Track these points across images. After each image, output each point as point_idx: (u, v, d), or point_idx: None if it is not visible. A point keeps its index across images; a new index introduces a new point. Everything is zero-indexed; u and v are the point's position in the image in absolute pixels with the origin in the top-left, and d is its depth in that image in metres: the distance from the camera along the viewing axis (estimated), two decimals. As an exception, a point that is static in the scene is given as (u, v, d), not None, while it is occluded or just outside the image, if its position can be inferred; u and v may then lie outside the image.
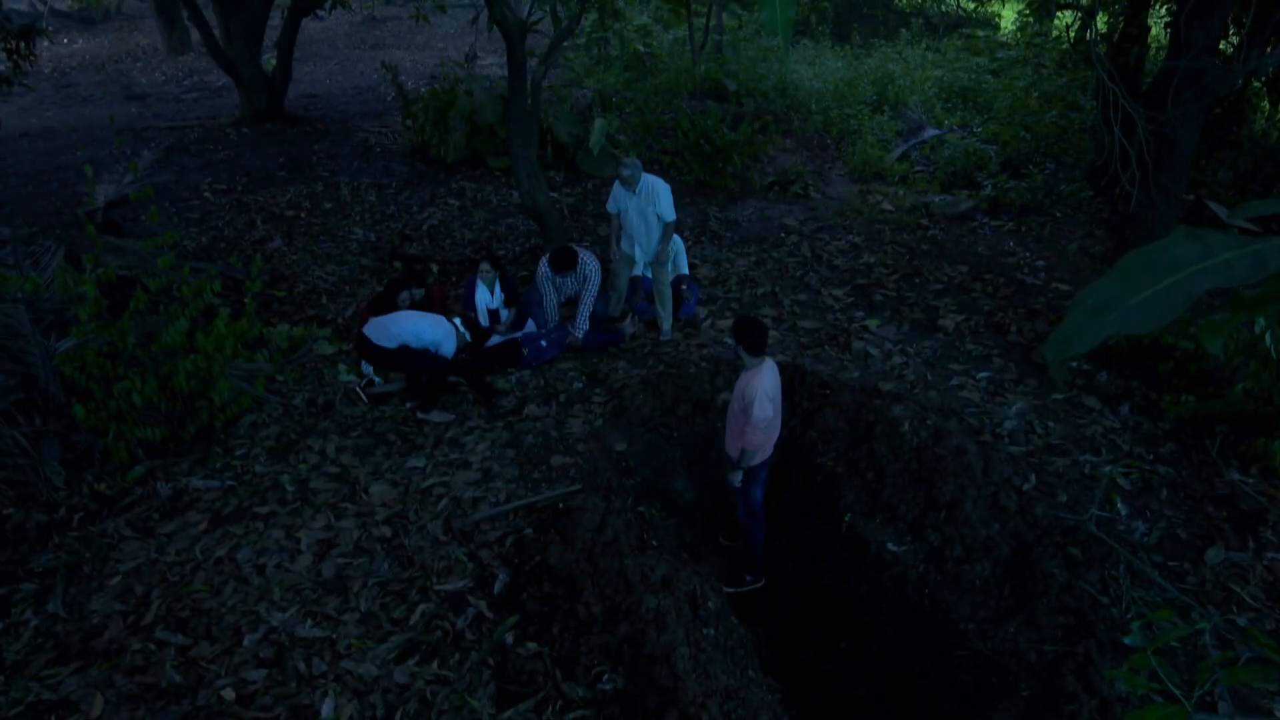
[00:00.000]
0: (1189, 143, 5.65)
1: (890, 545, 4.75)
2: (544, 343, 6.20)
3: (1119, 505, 4.75)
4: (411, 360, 5.40)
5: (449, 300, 6.70)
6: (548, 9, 6.94)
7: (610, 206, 6.40)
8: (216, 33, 11.42)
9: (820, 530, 5.12)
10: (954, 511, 4.69)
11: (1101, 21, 9.41)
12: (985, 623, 4.34)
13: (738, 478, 4.65)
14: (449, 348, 5.48)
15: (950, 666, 4.34)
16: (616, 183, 6.27)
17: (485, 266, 6.27)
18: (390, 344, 5.35)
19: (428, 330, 5.45)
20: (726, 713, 3.46)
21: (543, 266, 6.35)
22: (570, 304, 6.53)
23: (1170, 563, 4.43)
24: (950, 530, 4.65)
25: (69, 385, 4.99)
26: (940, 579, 4.53)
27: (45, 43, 17.40)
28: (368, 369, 5.80)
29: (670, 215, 6.16)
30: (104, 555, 4.26)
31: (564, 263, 6.22)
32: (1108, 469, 5.01)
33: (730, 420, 4.61)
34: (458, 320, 5.61)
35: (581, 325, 6.33)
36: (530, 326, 6.43)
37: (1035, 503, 4.77)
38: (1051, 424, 5.48)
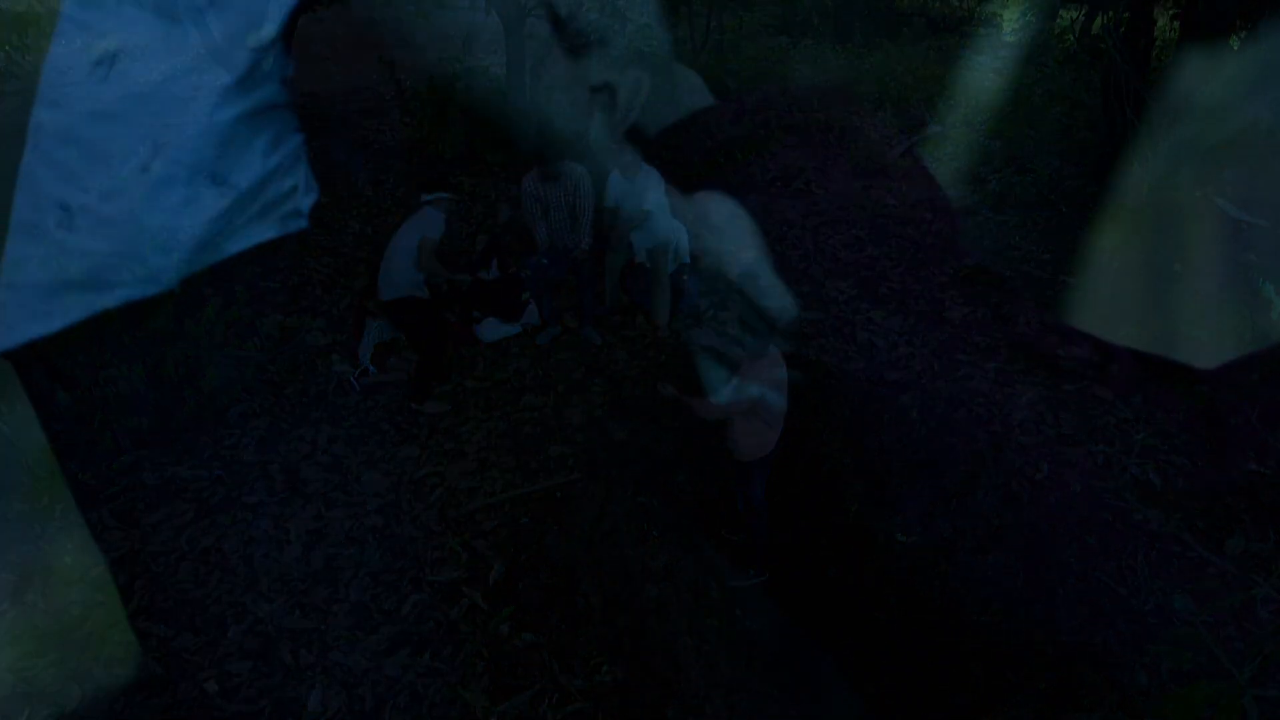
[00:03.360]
0: (1200, 128, 5.55)
1: (899, 536, 4.61)
2: (545, 260, 5.88)
3: (1151, 476, 4.63)
4: (403, 312, 5.33)
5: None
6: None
7: (607, 200, 6.01)
8: (214, 29, 11.32)
9: (827, 521, 4.98)
10: (965, 501, 4.55)
11: (1107, 19, 9.32)
12: (998, 614, 4.19)
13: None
14: (435, 227, 5.18)
15: (963, 659, 4.18)
16: (613, 176, 5.96)
17: (482, 239, 6.11)
18: (395, 294, 5.23)
19: (410, 236, 5.15)
20: (730, 705, 3.32)
21: (527, 183, 5.80)
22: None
23: (1189, 554, 4.29)
24: (961, 520, 4.51)
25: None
26: (951, 570, 4.39)
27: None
28: (365, 358, 5.66)
29: (652, 205, 5.83)
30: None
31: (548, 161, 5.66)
32: (1138, 436, 4.90)
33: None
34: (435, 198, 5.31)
35: (586, 237, 5.85)
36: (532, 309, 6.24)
37: (1048, 492, 4.63)
38: (1063, 414, 5.34)
